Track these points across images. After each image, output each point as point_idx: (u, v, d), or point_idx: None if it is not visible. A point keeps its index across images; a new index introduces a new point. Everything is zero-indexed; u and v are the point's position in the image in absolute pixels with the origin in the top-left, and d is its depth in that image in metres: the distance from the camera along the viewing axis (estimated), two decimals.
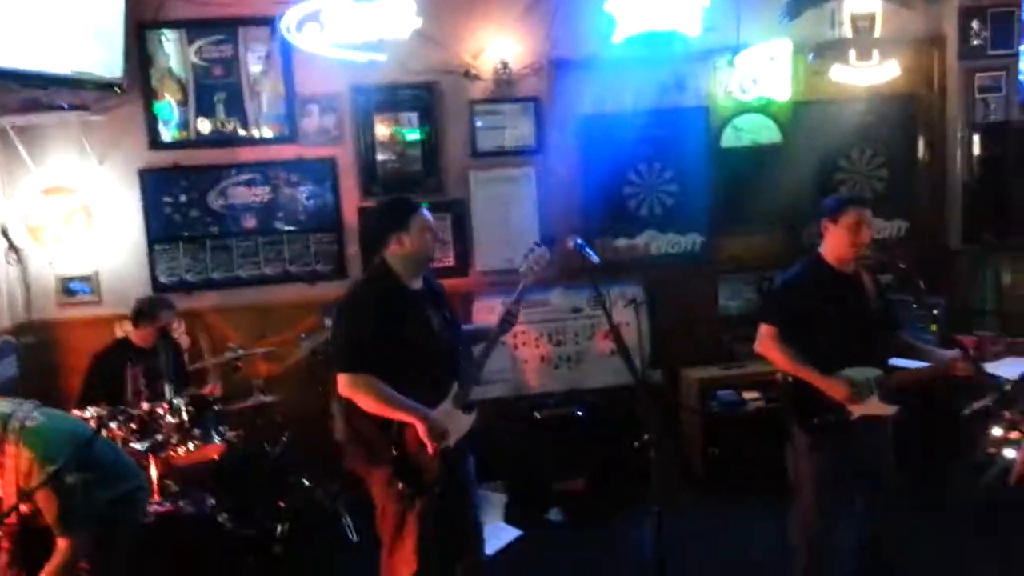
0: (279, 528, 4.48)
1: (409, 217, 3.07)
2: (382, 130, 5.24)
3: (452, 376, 3.11)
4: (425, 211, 3.12)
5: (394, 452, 2.98)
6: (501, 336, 3.26)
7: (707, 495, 4.99)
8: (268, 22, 5.01)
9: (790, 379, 3.49)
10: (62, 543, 2.84)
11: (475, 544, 3.34)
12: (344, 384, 2.97)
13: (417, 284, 3.14)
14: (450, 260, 5.32)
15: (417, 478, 3.01)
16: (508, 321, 3.21)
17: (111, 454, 3.19)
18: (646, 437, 2.87)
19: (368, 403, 2.95)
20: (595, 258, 3.11)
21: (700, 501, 4.91)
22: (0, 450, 2.80)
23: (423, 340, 3.04)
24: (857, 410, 3.38)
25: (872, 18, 5.20)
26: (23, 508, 2.83)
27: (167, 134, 5.09)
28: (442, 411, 3.05)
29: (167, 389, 3.91)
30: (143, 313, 4.39)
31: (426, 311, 3.11)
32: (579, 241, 3.13)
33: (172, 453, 3.94)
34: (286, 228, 5.22)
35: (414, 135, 5.27)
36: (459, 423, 3.11)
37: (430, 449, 2.95)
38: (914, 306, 4.68)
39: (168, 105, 5.07)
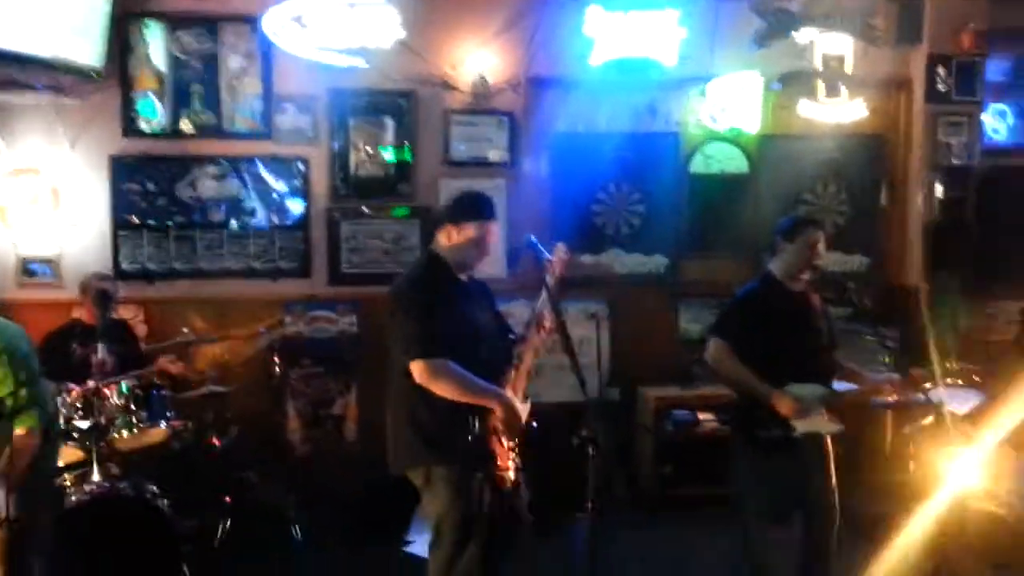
0: (222, 522, 4.43)
1: (469, 219, 3.03)
2: (357, 136, 5.28)
3: (504, 366, 3.07)
4: (486, 224, 3.03)
5: (469, 439, 2.89)
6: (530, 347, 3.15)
7: (659, 513, 5.00)
8: (250, 20, 5.07)
9: (738, 394, 3.54)
10: (20, 430, 2.90)
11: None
12: (421, 371, 2.87)
13: (464, 277, 3.13)
14: None
15: (492, 471, 2.94)
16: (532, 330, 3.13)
17: (46, 387, 3.28)
18: (584, 433, 2.87)
19: (448, 388, 2.87)
20: (547, 254, 3.12)
21: (651, 519, 4.93)
22: None
23: (476, 328, 3.03)
24: (802, 426, 3.42)
25: (842, 59, 5.33)
26: None
27: (142, 123, 5.10)
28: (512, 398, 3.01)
29: (100, 348, 3.86)
30: (81, 287, 4.37)
31: (474, 303, 3.11)
32: (532, 239, 3.15)
33: (115, 435, 3.89)
34: (253, 223, 5.23)
35: (388, 153, 5.31)
36: (525, 413, 3.07)
37: (510, 435, 2.92)
38: (868, 337, 4.78)
39: (145, 94, 5.09)
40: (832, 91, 5.32)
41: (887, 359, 4.47)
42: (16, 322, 4.78)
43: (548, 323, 3.14)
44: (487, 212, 3.08)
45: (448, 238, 3.06)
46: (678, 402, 5.20)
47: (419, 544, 4.53)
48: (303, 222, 5.28)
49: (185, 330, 4.58)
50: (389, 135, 5.32)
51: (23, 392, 2.87)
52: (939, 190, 5.60)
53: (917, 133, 5.66)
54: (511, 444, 3.01)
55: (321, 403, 5.31)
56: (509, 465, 3.00)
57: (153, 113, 5.12)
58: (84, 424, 3.77)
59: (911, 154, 5.70)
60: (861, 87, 5.33)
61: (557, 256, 3.12)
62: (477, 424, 2.92)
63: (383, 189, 5.33)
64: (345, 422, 5.32)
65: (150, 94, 5.11)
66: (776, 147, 5.65)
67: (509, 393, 3.00)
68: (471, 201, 3.14)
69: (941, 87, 5.59)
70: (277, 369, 4.86)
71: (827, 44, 5.30)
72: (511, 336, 3.22)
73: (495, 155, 5.40)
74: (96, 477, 3.68)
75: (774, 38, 5.00)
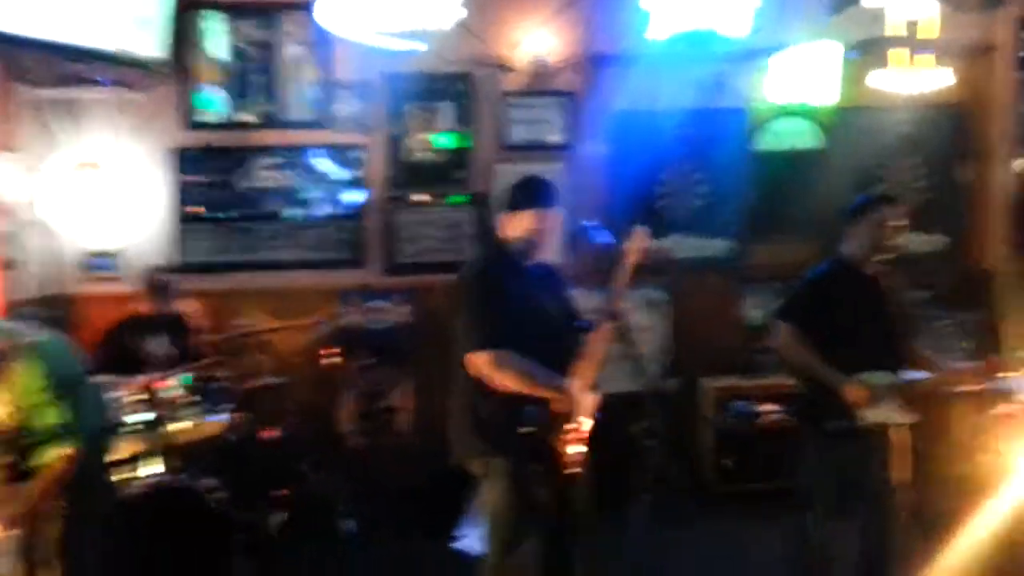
0: (276, 515, 4.44)
1: (526, 208, 2.96)
2: (413, 122, 5.21)
3: (570, 355, 2.96)
4: (543, 212, 2.95)
5: (526, 430, 2.82)
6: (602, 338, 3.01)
7: (718, 507, 4.85)
8: (308, 7, 5.01)
9: (805, 382, 3.38)
10: (54, 453, 2.87)
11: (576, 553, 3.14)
12: (483, 362, 2.82)
13: (530, 263, 3.05)
14: (471, 254, 5.25)
15: (552, 463, 2.87)
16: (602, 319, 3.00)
17: (95, 391, 3.25)
18: (644, 424, 2.76)
19: (507, 379, 2.81)
20: (608, 238, 3.00)
21: (711, 512, 4.77)
22: (5, 364, 2.84)
23: (540, 317, 2.96)
24: (873, 416, 3.25)
25: (924, 24, 4.98)
26: (20, 418, 2.86)
27: (203, 115, 5.13)
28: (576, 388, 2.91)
29: (158, 341, 3.89)
30: (141, 281, 4.45)
31: (540, 291, 3.03)
32: (585, 225, 3.06)
33: (174, 427, 3.92)
34: (310, 213, 5.22)
35: (444, 139, 5.23)
36: (589, 404, 2.95)
37: (574, 425, 2.84)
38: (946, 323, 4.53)
39: (206, 86, 5.12)
40: (912, 60, 4.98)
41: (964, 345, 4.23)
42: (80, 316, 5.04)
43: (621, 311, 3.02)
44: (544, 200, 2.98)
45: (508, 226, 2.99)
46: (740, 392, 5.03)
47: (469, 540, 4.47)
48: (359, 211, 5.24)
49: (244, 321, 4.58)
50: (446, 120, 5.24)
51: (68, 418, 2.86)
52: None
53: (1002, 103, 5.32)
54: (577, 436, 2.88)
55: (375, 395, 5.28)
56: (573, 457, 2.89)
57: (214, 105, 5.15)
58: (143, 417, 3.81)
59: (995, 126, 5.36)
60: (943, 54, 4.99)
61: (636, 241, 3.00)
62: (537, 415, 2.84)
63: (439, 176, 5.26)
64: (399, 414, 5.29)
65: (211, 86, 5.13)
66: (850, 121, 5.37)
67: (574, 384, 2.89)
68: (528, 188, 3.05)
69: None
70: (333, 360, 4.83)
71: (905, 9, 4.96)
72: (579, 324, 3.07)
73: (553, 138, 5.26)
74: (154, 469, 3.73)
75: (848, 4, 4.70)
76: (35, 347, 2.88)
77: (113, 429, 3.34)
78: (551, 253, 3.07)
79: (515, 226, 2.97)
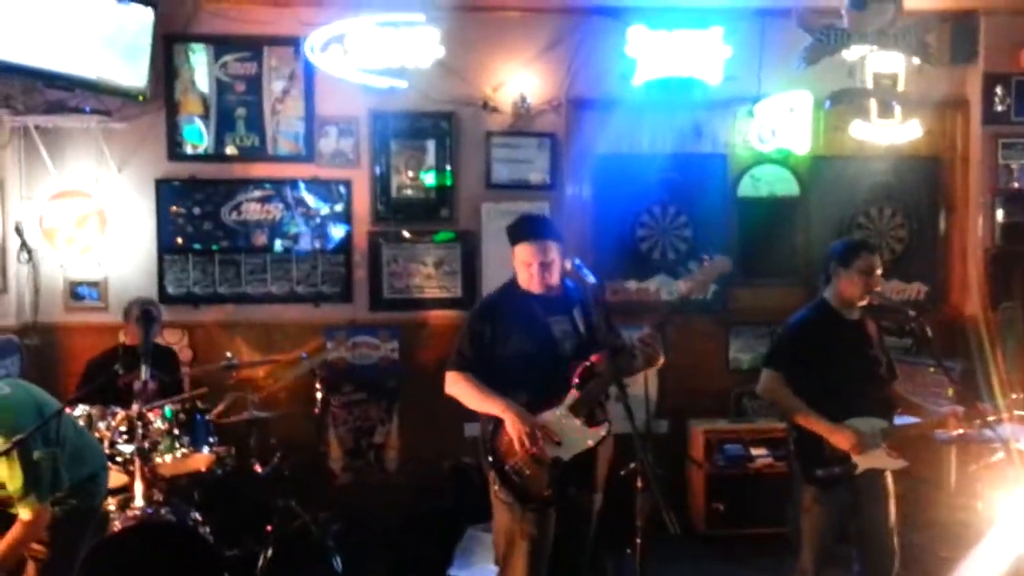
0: (263, 551, 4.37)
1: (515, 243, 3.15)
2: (398, 159, 5.25)
3: (564, 385, 3.03)
4: (531, 245, 3.08)
5: (489, 455, 3.01)
6: (633, 367, 3.07)
7: (708, 551, 4.83)
8: (293, 42, 5.08)
9: (794, 429, 3.40)
10: (23, 515, 2.79)
11: None
12: (446, 381, 3.15)
13: (547, 292, 3.13)
14: (457, 291, 5.28)
15: (518, 486, 2.97)
16: (633, 353, 3.04)
17: (76, 434, 3.14)
18: (632, 466, 2.78)
19: (464, 398, 3.10)
20: (592, 278, 3.08)
21: (700, 556, 4.76)
22: None
23: (537, 348, 3.06)
24: (863, 462, 3.28)
25: (895, 78, 5.17)
26: None
27: (187, 146, 5.13)
28: (548, 416, 2.99)
29: (144, 370, 3.84)
30: (125, 311, 4.41)
31: (548, 319, 3.10)
32: (576, 261, 3.11)
33: (158, 459, 3.87)
34: (296, 247, 5.22)
35: (429, 176, 5.28)
36: (575, 433, 3.00)
37: (516, 446, 2.91)
38: (931, 370, 4.60)
39: (190, 118, 5.13)
40: (885, 111, 5.16)
41: (950, 392, 4.31)
42: (63, 345, 4.96)
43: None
44: (518, 234, 3.15)
45: (514, 260, 3.17)
46: (729, 435, 5.03)
47: None
48: (345, 246, 5.25)
49: (228, 355, 4.54)
50: (430, 158, 5.28)
51: (29, 478, 2.77)
52: (1000, 215, 5.41)
53: (975, 155, 5.48)
54: (519, 457, 2.97)
55: (362, 431, 5.25)
56: (543, 485, 2.96)
57: (198, 137, 5.15)
58: (127, 448, 3.75)
59: (969, 177, 5.52)
60: (915, 107, 5.17)
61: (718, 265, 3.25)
62: (492, 434, 3.02)
63: (425, 213, 5.29)
64: (386, 451, 5.26)
65: (195, 118, 5.14)
66: (827, 169, 5.51)
67: (554, 411, 2.99)
68: (516, 224, 3.23)
69: (999, 107, 5.43)
70: (319, 395, 4.80)
71: (879, 63, 5.14)
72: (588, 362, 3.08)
73: (536, 178, 5.33)
74: (139, 502, 3.65)
75: (823, 56, 4.86)
76: None
77: (99, 473, 3.23)
78: (549, 282, 3.11)
79: (515, 260, 3.14)
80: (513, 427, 2.93)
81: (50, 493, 2.85)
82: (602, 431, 3.04)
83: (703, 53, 5.08)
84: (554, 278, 3.11)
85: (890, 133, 5.20)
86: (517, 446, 2.92)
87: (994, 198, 5.42)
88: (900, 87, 5.12)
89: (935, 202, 5.63)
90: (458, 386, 3.11)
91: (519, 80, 5.24)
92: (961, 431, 3.34)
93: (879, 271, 3.43)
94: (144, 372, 3.87)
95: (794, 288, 5.27)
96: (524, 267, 3.10)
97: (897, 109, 5.11)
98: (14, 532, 2.80)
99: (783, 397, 3.37)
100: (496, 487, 3.00)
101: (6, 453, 2.69)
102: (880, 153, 5.41)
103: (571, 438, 2.99)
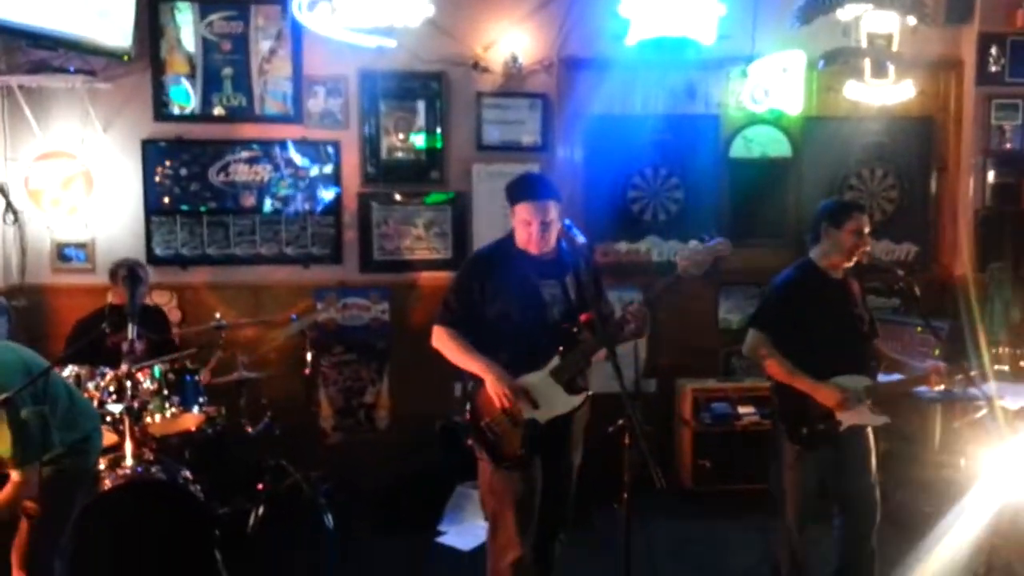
0: (254, 509, 4.41)
1: (515, 203, 3.11)
2: (388, 120, 5.20)
3: (554, 349, 3.03)
4: (531, 204, 3.04)
5: (467, 412, 3.05)
6: (619, 338, 3.02)
7: (694, 507, 4.90)
8: (280, 0, 5.00)
9: (779, 387, 3.42)
10: (14, 475, 2.80)
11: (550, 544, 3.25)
12: (433, 335, 3.15)
13: (541, 253, 3.11)
14: (448, 252, 5.27)
15: (493, 447, 3.01)
16: (620, 325, 3.00)
17: (67, 395, 3.13)
18: (620, 423, 2.79)
19: (447, 353, 3.11)
20: (582, 239, 3.06)
21: (687, 513, 4.82)
22: None
23: (525, 309, 3.05)
24: (847, 419, 3.31)
25: (889, 38, 5.12)
26: None
27: (173, 106, 5.07)
28: (530, 378, 3.00)
29: (131, 329, 3.83)
30: (111, 272, 4.36)
31: (539, 280, 3.09)
32: (567, 222, 3.09)
33: (148, 419, 3.88)
34: (285, 209, 5.18)
35: (419, 138, 5.23)
36: (553, 398, 3.02)
37: (496, 403, 2.95)
38: (918, 329, 4.62)
39: (177, 78, 5.06)
40: (879, 71, 5.12)
41: (936, 351, 4.33)
42: (51, 306, 4.95)
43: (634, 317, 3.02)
44: (519, 193, 3.12)
45: (512, 220, 3.15)
46: (717, 394, 5.07)
47: (452, 535, 4.50)
48: (334, 208, 5.21)
49: (218, 315, 4.53)
50: (420, 119, 5.23)
51: (16, 439, 2.76)
52: (991, 175, 5.41)
53: (968, 116, 5.46)
54: (497, 420, 3.01)
55: (353, 391, 5.28)
56: (516, 446, 3.00)
57: (185, 97, 5.08)
58: (117, 408, 3.75)
59: (961, 138, 5.50)
60: (909, 67, 5.13)
61: (718, 248, 3.06)
62: (471, 393, 3.08)
63: (415, 175, 5.25)
64: (377, 410, 5.29)
65: (181, 78, 5.07)
66: (820, 130, 5.48)
67: (535, 375, 3.00)
68: (513, 184, 3.21)
69: (993, 68, 5.40)
70: (309, 356, 4.81)
71: (874, 22, 5.09)
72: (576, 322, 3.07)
73: (528, 139, 5.29)
74: (129, 461, 3.67)
75: (817, 15, 4.81)
76: None
77: (92, 434, 3.23)
78: (548, 242, 3.09)
79: (514, 220, 3.13)
80: (492, 387, 2.96)
81: (40, 453, 2.84)
82: (579, 400, 3.07)
83: (697, 12, 5.00)
84: (552, 239, 3.10)
85: (883, 93, 5.16)
86: (497, 404, 2.95)
87: (986, 159, 5.42)
88: (894, 47, 5.08)
89: (927, 163, 5.61)
90: (443, 341, 3.12)
91: (510, 39, 5.17)
92: (943, 387, 3.36)
93: (868, 231, 3.43)
94: (131, 331, 3.86)
95: (785, 249, 5.26)
96: (524, 226, 3.07)
97: (891, 69, 5.07)
98: (6, 492, 2.81)
99: (770, 357, 3.38)
100: (470, 442, 3.06)
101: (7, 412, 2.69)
102: (873, 114, 5.39)
103: (549, 402, 3.01)
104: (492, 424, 3.01)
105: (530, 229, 3.05)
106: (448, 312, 3.13)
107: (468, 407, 3.08)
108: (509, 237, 3.19)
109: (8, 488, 2.81)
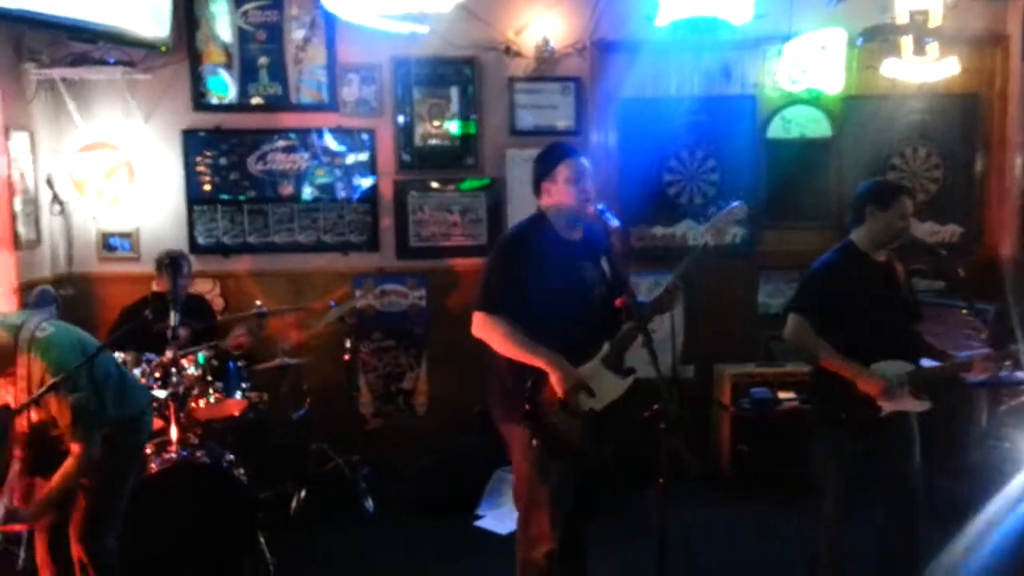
0: (296, 493, 4.49)
1: (554, 166, 3.00)
2: (421, 107, 5.22)
3: (600, 334, 2.98)
4: (574, 160, 2.99)
5: (527, 407, 2.88)
6: (658, 312, 3.02)
7: (732, 493, 4.86)
8: None
9: (818, 371, 3.37)
10: (74, 448, 2.89)
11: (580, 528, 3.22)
12: (477, 323, 2.95)
13: (574, 235, 3.06)
14: (483, 239, 5.28)
15: (554, 439, 2.90)
16: (664, 298, 2.99)
17: (119, 373, 3.23)
18: (655, 407, 2.77)
19: (499, 343, 2.92)
20: (616, 222, 3.00)
21: (725, 499, 4.80)
22: (12, 360, 2.85)
23: (567, 290, 2.96)
24: (888, 405, 3.24)
25: (929, 14, 4.98)
26: (35, 417, 2.89)
27: (211, 96, 5.14)
28: (588, 369, 2.92)
29: (172, 316, 3.91)
30: (156, 262, 4.46)
31: (578, 262, 3.02)
32: (600, 206, 3.03)
33: (192, 404, 3.96)
34: (322, 197, 5.23)
35: (453, 124, 5.24)
36: (609, 386, 2.96)
37: (560, 395, 2.83)
38: (963, 312, 4.53)
39: (214, 69, 5.13)
40: (920, 48, 4.99)
41: (982, 335, 4.24)
42: (97, 295, 5.07)
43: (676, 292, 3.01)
44: (558, 154, 3.05)
45: (549, 195, 3.02)
46: (756, 380, 5.01)
47: (490, 519, 4.54)
48: (371, 195, 5.25)
49: (258, 303, 4.61)
50: (453, 105, 5.23)
51: (78, 410, 2.86)
52: None
53: (1014, 92, 5.29)
54: (567, 410, 2.89)
55: (392, 377, 5.34)
56: (566, 432, 2.91)
57: (223, 88, 5.14)
58: (162, 393, 3.84)
59: (1008, 116, 5.33)
60: (952, 43, 5.00)
61: (734, 211, 3.04)
62: (532, 388, 2.88)
63: (449, 161, 5.26)
64: (415, 396, 5.34)
65: (219, 68, 5.13)
66: (861, 109, 5.36)
67: (590, 365, 2.92)
68: (546, 151, 3.12)
69: None
70: (348, 342, 4.87)
71: None
72: (618, 303, 3.01)
73: (561, 123, 5.26)
74: (175, 445, 3.75)
75: None
76: (40, 342, 2.86)
77: (145, 410, 3.32)
78: (592, 203, 3.01)
79: (553, 191, 3.01)
80: (559, 383, 2.84)
81: (98, 427, 2.94)
82: (630, 381, 3.02)
83: None
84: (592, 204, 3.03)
85: (925, 71, 5.04)
86: (565, 399, 2.85)
87: None
88: (936, 23, 4.94)
89: (971, 141, 5.46)
90: (490, 330, 2.93)
91: (542, 23, 5.14)
92: (988, 375, 3.27)
93: (911, 214, 3.36)
94: (173, 318, 3.94)
95: (825, 232, 5.17)
96: (571, 185, 2.97)
97: (933, 46, 4.94)
98: (66, 466, 2.90)
99: (809, 342, 3.31)
100: (535, 442, 2.90)
101: (55, 389, 2.78)
102: (914, 92, 5.25)
103: (604, 390, 2.95)
104: (555, 420, 2.91)
105: (579, 185, 2.97)
106: (489, 298, 2.95)
107: (529, 402, 2.90)
108: (539, 217, 3.08)
109: (69, 461, 2.90)
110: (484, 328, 2.94)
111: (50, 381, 2.78)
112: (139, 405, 3.26)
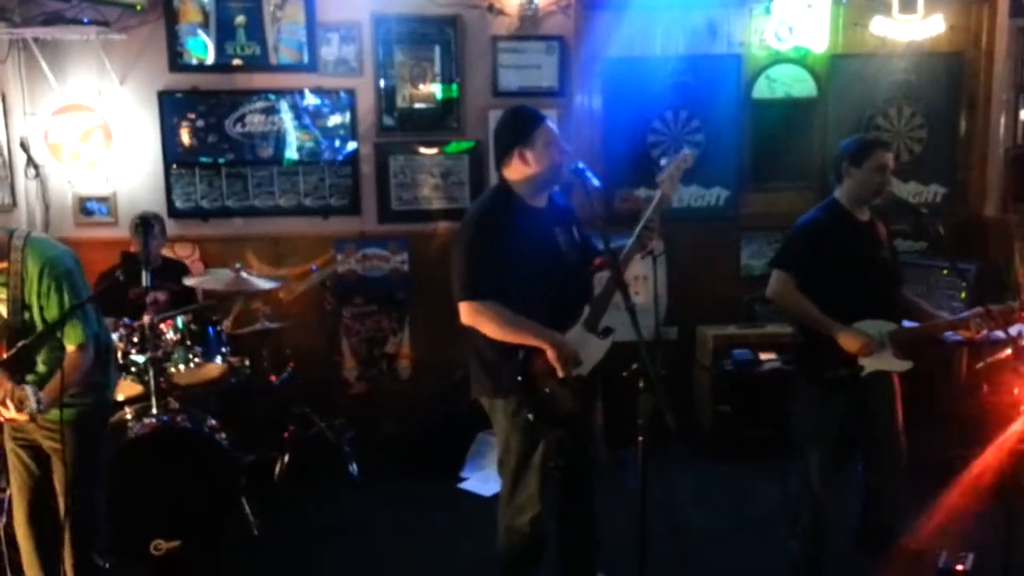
0: (279, 457, 4.49)
1: (533, 130, 2.87)
2: (403, 67, 5.13)
3: (581, 299, 2.95)
4: (550, 123, 2.92)
5: (519, 379, 2.84)
6: (637, 252, 2.98)
7: (713, 454, 4.91)
8: None
9: (800, 330, 3.37)
10: (70, 345, 2.91)
11: (586, 495, 3.22)
12: (465, 313, 2.85)
13: (541, 202, 2.99)
14: (465, 201, 5.23)
15: (548, 409, 2.88)
16: (643, 236, 2.95)
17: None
18: (635, 366, 2.75)
19: (493, 330, 2.84)
20: (596, 182, 2.95)
21: (706, 459, 4.84)
22: (5, 256, 2.85)
23: (547, 261, 2.90)
24: (870, 364, 3.25)
25: None
26: (21, 313, 2.88)
27: (188, 57, 5.03)
28: (573, 335, 2.90)
29: (144, 277, 3.87)
30: (131, 225, 4.41)
31: (551, 230, 2.97)
32: (580, 165, 2.97)
33: (172, 369, 3.94)
34: (302, 159, 5.16)
35: (435, 87, 5.15)
36: (593, 349, 2.93)
37: (560, 373, 2.81)
38: (944, 272, 4.53)
39: (191, 28, 5.01)
40: (907, 6, 4.95)
41: (962, 295, 4.24)
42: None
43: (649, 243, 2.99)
44: (540, 116, 2.95)
45: (525, 162, 2.89)
46: (738, 341, 5.02)
47: (473, 481, 4.56)
48: (351, 158, 5.18)
49: (237, 266, 4.56)
50: (435, 66, 5.14)
51: (70, 305, 2.86)
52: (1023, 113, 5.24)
53: (1000, 51, 5.26)
54: (562, 383, 2.88)
55: (375, 341, 5.32)
56: (563, 404, 2.90)
57: (202, 48, 5.03)
58: (140, 359, 3.81)
59: (993, 74, 5.30)
60: (939, 0, 4.95)
61: (682, 158, 3.00)
62: (523, 361, 2.85)
63: (431, 123, 5.19)
64: (398, 360, 5.33)
65: (196, 27, 5.02)
66: (846, 68, 5.31)
67: (575, 331, 2.90)
68: (521, 115, 2.98)
69: None
70: (330, 307, 4.84)
71: None
72: (591, 267, 3.01)
73: (545, 83, 5.19)
74: (155, 410, 3.73)
75: None
76: (35, 240, 2.90)
77: (117, 363, 3.30)
78: (563, 171, 2.95)
79: (531, 158, 2.88)
80: (555, 357, 2.80)
81: (90, 326, 2.94)
82: (609, 341, 2.99)
83: None
84: None
85: (912, 29, 5.00)
86: (562, 373, 2.83)
87: (1018, 95, 5.24)
88: None
89: (956, 100, 5.43)
90: (481, 317, 2.84)
91: None
92: (984, 332, 3.25)
93: (891, 168, 3.33)
94: (144, 280, 3.89)
95: (810, 192, 5.17)
96: (551, 148, 2.89)
97: (919, 3, 4.90)
98: (67, 361, 2.91)
99: (792, 299, 3.30)
100: (530, 416, 2.87)
101: (47, 280, 2.83)
102: (900, 50, 5.22)
103: (588, 354, 2.93)
104: (548, 390, 2.88)
105: (559, 145, 2.92)
106: (473, 285, 2.84)
107: (522, 376, 2.86)
108: (502, 188, 2.98)
109: (69, 356, 2.91)
110: (475, 317, 2.85)
111: (48, 276, 2.82)
112: (107, 340, 3.24)
